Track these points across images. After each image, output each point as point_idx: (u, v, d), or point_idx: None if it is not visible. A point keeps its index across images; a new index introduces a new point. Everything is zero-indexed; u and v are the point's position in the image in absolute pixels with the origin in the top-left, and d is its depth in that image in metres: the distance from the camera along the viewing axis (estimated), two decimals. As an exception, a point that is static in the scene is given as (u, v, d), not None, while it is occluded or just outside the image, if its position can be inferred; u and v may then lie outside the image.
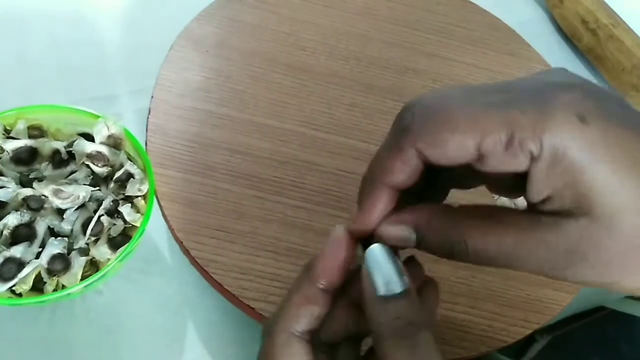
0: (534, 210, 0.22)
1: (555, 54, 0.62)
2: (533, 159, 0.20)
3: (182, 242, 0.37)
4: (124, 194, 0.36)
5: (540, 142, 0.20)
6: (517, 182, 0.22)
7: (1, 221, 0.34)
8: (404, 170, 0.23)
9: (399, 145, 0.22)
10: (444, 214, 0.23)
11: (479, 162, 0.21)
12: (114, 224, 0.35)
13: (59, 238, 0.35)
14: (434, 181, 0.25)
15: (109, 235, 0.35)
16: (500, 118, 0.21)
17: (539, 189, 0.21)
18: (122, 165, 0.37)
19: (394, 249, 0.24)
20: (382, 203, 0.24)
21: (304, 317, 0.24)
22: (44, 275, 0.33)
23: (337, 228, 0.25)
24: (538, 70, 0.25)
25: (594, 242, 0.21)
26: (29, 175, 0.37)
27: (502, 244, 0.21)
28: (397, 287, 0.23)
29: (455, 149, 0.21)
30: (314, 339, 0.24)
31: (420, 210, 0.24)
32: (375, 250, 0.24)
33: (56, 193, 0.35)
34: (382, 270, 0.23)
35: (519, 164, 0.21)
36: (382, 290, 0.23)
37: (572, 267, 0.21)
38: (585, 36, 0.61)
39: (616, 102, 0.21)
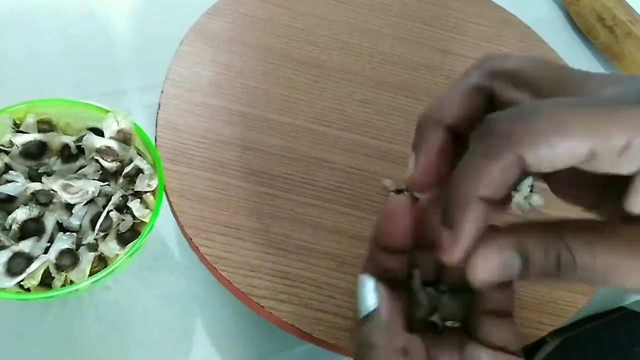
0: (631, 221, 0.20)
1: (571, 52, 0.61)
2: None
3: (191, 239, 0.37)
4: (133, 189, 0.36)
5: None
6: (600, 190, 0.21)
7: (10, 215, 0.34)
8: (501, 181, 0.19)
9: (497, 151, 0.19)
10: (543, 229, 0.20)
11: (583, 164, 0.19)
12: (123, 220, 0.35)
13: (67, 233, 0.34)
14: None
15: (118, 230, 0.35)
16: (618, 119, 0.19)
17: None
18: (131, 161, 0.37)
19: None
20: (478, 224, 0.20)
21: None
22: (52, 270, 0.33)
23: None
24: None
25: None
26: (38, 169, 0.36)
27: (610, 257, 0.19)
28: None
29: (565, 154, 0.19)
30: None
31: (516, 229, 0.21)
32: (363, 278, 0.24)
33: (65, 188, 0.35)
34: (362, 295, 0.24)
35: (628, 169, 0.19)
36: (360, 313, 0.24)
37: None
38: (602, 33, 0.60)
39: None
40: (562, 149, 0.19)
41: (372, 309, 0.23)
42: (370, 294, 0.24)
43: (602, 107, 0.19)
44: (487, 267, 0.20)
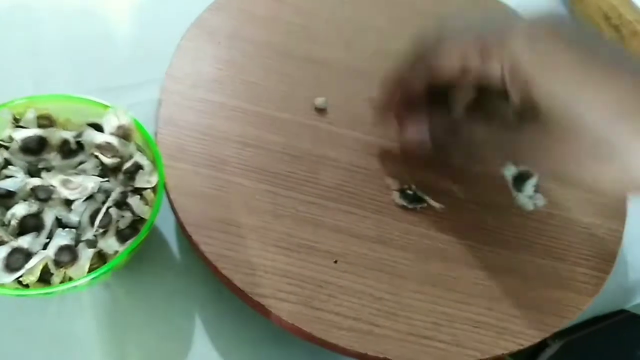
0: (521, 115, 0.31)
1: (575, 51, 0.61)
2: (502, 65, 0.30)
3: (191, 236, 0.37)
4: (132, 185, 0.36)
5: (503, 52, 0.30)
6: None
7: (9, 211, 0.33)
8: (416, 79, 0.37)
9: (415, 64, 0.37)
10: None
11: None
12: (123, 216, 0.35)
13: (66, 229, 0.34)
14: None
15: (117, 227, 0.35)
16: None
17: (512, 91, 0.30)
18: (131, 157, 0.36)
19: None
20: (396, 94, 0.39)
21: None
22: (51, 266, 0.33)
23: None
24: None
25: (542, 143, 0.30)
26: (37, 165, 0.36)
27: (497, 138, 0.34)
28: None
29: (447, 71, 0.34)
30: None
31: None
32: None
33: (64, 183, 0.34)
34: None
35: (493, 69, 0.31)
36: None
37: (537, 157, 0.31)
38: (608, 33, 0.60)
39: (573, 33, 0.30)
40: (445, 69, 0.34)
41: None
42: None
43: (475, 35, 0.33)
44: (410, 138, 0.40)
